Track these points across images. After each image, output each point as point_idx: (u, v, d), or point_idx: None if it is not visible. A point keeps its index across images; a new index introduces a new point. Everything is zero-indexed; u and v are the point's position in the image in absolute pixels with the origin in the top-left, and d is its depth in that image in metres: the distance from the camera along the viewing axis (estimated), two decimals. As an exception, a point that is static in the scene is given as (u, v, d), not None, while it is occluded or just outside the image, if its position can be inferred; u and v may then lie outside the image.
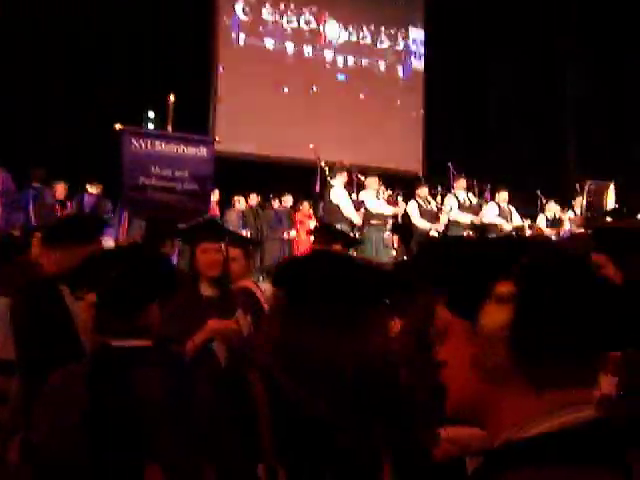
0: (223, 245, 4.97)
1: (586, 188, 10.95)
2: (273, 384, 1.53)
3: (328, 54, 15.32)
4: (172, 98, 6.74)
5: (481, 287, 1.03)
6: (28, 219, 9.27)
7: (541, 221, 11.66)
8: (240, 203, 11.65)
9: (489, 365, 1.04)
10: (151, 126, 12.21)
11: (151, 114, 12.59)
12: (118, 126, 6.44)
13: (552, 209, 11.78)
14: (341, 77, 15.45)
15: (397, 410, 1.67)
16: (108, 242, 9.51)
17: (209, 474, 1.70)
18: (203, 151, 6.49)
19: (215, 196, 10.73)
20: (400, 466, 1.56)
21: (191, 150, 6.47)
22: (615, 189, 10.71)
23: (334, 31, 15.41)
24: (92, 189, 10.26)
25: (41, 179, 9.62)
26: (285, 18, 14.86)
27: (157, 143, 6.50)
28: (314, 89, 14.90)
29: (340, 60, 15.45)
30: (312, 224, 11.28)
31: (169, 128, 6.74)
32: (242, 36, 14.46)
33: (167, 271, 2.22)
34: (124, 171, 6.46)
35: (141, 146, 6.42)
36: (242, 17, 14.46)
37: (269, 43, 14.71)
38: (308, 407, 1.47)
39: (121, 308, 1.94)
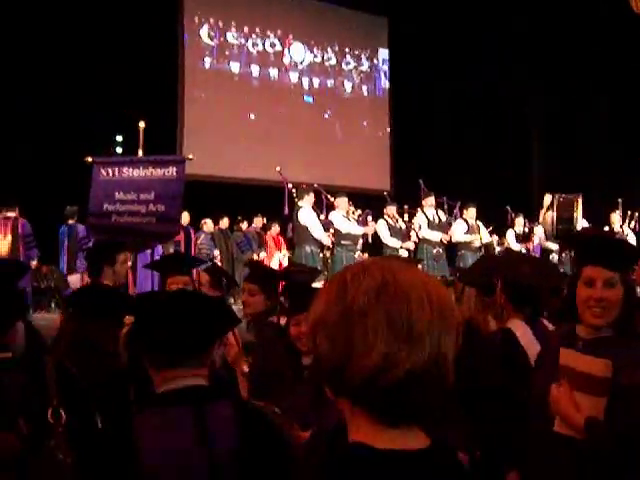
0: (194, 272, 4.92)
1: (555, 202, 11.03)
2: (61, 366, 2.46)
3: (293, 76, 15.37)
4: (142, 124, 6.78)
5: None
6: (63, 255, 9.96)
7: (510, 236, 11.72)
8: (207, 225, 11.53)
9: None
10: (120, 150, 12.20)
11: (119, 138, 12.59)
12: (89, 159, 6.46)
13: (520, 224, 11.85)
14: (307, 99, 15.51)
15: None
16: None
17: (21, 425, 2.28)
18: (172, 171, 6.41)
19: (185, 219, 10.64)
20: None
21: (159, 172, 6.41)
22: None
23: (299, 53, 15.48)
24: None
25: (74, 217, 9.93)
26: (250, 41, 14.89)
27: (125, 169, 6.49)
28: (280, 111, 14.91)
29: (306, 82, 15.52)
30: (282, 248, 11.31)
31: (140, 154, 6.71)
32: (208, 60, 14.45)
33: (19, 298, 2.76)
34: (90, 200, 6.48)
35: (109, 174, 6.42)
36: (207, 41, 14.45)
37: (235, 67, 14.71)
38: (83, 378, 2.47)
39: None
